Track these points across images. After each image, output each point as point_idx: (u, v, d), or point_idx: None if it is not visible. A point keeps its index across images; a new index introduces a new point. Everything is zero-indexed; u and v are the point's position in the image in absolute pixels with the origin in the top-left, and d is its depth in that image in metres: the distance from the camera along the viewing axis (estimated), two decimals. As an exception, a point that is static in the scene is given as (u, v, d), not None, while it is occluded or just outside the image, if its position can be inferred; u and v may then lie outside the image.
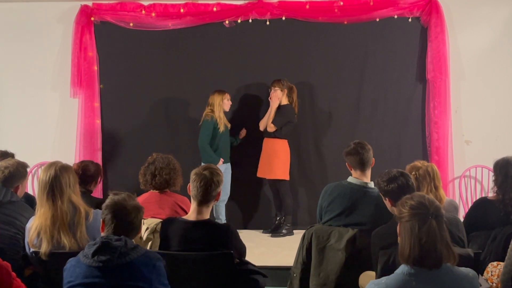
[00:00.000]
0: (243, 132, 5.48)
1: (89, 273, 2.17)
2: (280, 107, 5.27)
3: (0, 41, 5.64)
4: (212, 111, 5.13)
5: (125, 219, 2.29)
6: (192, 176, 2.80)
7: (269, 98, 5.30)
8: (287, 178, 5.30)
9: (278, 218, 5.41)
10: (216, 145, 5.15)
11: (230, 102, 5.24)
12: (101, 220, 2.34)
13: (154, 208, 3.24)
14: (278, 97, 5.24)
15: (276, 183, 5.33)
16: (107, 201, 2.33)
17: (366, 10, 5.36)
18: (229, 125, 5.29)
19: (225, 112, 5.23)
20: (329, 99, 5.59)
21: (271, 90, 5.28)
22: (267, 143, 5.32)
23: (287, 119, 5.24)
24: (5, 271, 2.27)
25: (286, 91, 5.29)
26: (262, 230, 5.49)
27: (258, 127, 5.38)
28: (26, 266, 2.93)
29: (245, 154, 5.56)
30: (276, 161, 5.25)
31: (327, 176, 5.43)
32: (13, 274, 2.33)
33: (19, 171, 3.20)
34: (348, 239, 3.13)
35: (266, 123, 5.27)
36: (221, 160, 5.11)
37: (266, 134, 5.33)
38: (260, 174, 5.35)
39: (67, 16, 5.54)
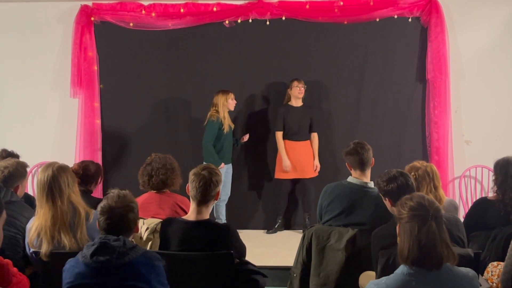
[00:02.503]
0: (246, 137, 5.45)
1: (88, 273, 2.17)
2: (307, 109, 5.31)
3: (0, 41, 5.64)
4: (217, 111, 5.11)
5: (115, 219, 2.28)
6: (191, 176, 2.79)
7: (297, 93, 5.25)
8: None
9: (279, 220, 5.44)
10: (221, 146, 5.14)
11: (235, 102, 5.21)
12: None
13: (154, 208, 3.24)
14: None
15: (309, 182, 5.34)
16: (99, 206, 2.34)
17: (366, 10, 5.36)
18: (232, 126, 5.29)
19: (229, 113, 5.23)
20: (329, 99, 5.59)
21: (299, 88, 5.23)
22: (302, 145, 5.30)
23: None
24: (5, 270, 2.28)
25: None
26: (266, 231, 5.49)
27: (259, 127, 5.40)
28: (26, 266, 2.93)
29: (247, 154, 5.57)
30: (313, 159, 5.32)
31: (327, 176, 5.42)
32: (15, 269, 2.33)
33: (19, 171, 3.20)
34: (348, 239, 3.13)
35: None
36: (222, 164, 5.09)
37: (296, 137, 5.29)
38: (301, 175, 5.32)
39: (67, 16, 5.54)
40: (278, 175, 5.33)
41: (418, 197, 2.10)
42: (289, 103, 5.33)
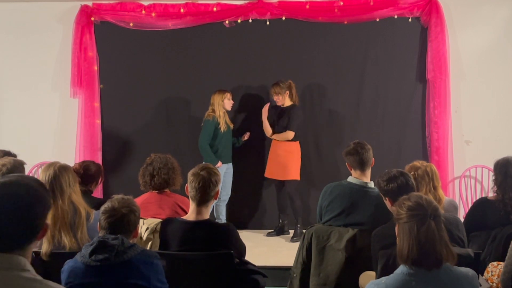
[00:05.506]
0: (246, 136, 5.45)
1: (87, 273, 2.17)
2: (288, 109, 5.18)
3: (0, 40, 5.64)
4: (213, 110, 5.12)
5: (116, 218, 2.30)
6: (190, 177, 2.79)
7: (277, 103, 5.22)
8: (299, 178, 5.23)
9: (281, 220, 5.41)
10: (217, 145, 5.14)
11: (231, 102, 5.22)
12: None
13: (154, 208, 3.24)
14: (281, 102, 5.19)
15: (288, 184, 5.24)
16: (102, 206, 2.35)
17: (366, 10, 5.35)
18: (232, 125, 5.28)
19: (227, 112, 5.23)
20: (329, 99, 5.59)
21: (273, 96, 5.20)
22: (280, 145, 5.21)
23: (299, 119, 5.18)
24: None
25: (288, 92, 5.19)
26: (266, 233, 5.42)
27: (259, 127, 5.37)
28: (25, 266, 2.93)
29: (246, 154, 5.56)
30: (291, 163, 5.16)
31: (327, 176, 5.42)
32: None
33: (17, 168, 3.20)
34: (348, 239, 3.13)
35: (270, 129, 5.23)
36: (220, 162, 5.09)
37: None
38: (274, 176, 5.27)
39: (67, 16, 5.54)
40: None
41: (416, 197, 2.09)
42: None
